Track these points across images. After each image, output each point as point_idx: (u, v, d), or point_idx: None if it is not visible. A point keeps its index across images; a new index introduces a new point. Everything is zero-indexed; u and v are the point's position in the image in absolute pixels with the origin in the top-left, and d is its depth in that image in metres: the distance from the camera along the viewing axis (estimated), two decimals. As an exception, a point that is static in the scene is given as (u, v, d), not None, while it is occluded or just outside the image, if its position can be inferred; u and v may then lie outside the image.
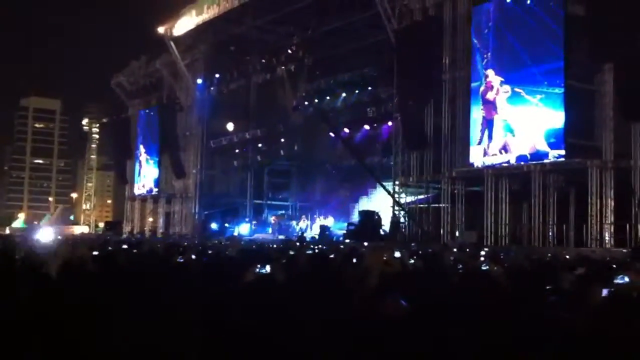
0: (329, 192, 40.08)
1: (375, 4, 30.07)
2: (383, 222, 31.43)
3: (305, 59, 39.83)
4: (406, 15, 29.64)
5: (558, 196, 24.19)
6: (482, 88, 26.59)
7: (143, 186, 49.67)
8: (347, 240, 28.53)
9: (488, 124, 26.56)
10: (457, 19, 27.55)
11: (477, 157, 26.85)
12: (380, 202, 33.88)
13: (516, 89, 25.17)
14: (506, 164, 25.41)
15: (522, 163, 24.77)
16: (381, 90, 34.84)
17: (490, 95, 26.42)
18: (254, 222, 43.47)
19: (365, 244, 20.64)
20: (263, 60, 42.03)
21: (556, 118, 23.61)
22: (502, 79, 25.87)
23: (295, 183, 45.79)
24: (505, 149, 25.70)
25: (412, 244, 22.01)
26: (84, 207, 78.85)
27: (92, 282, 5.23)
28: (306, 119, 42.03)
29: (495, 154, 26.07)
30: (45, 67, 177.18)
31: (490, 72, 26.42)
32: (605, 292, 4.81)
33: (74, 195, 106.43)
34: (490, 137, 26.35)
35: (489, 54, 26.48)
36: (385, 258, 5.70)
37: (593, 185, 22.78)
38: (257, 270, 4.41)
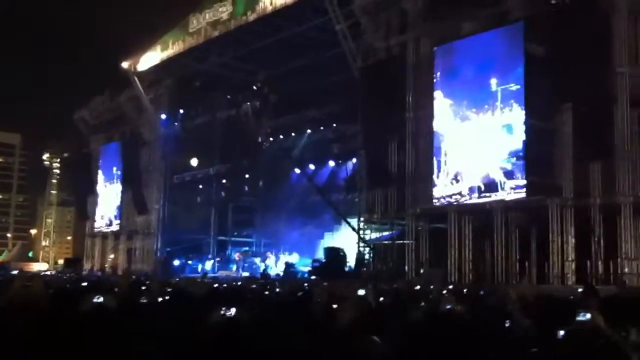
0: (293, 228, 39.96)
1: (340, 42, 30.44)
2: (348, 259, 31.37)
3: (270, 95, 40.06)
4: (370, 53, 30.03)
5: (520, 233, 24.42)
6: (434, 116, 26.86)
7: (102, 217, 49.03)
8: (312, 277, 28.36)
9: (436, 152, 26.80)
10: (420, 58, 27.98)
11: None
12: (345, 238, 33.84)
13: (468, 112, 25.43)
14: (467, 201, 25.57)
15: (484, 198, 24.89)
16: (346, 127, 35.06)
17: (437, 121, 26.73)
18: (217, 259, 43.02)
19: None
20: (228, 96, 42.20)
21: (512, 143, 23.89)
22: (452, 102, 26.19)
23: (260, 219, 45.59)
24: (455, 178, 25.93)
25: (376, 282, 21.88)
26: (43, 243, 77.40)
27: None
28: (271, 155, 42.11)
29: (446, 185, 26.22)
30: (5, 101, 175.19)
31: (438, 94, 26.77)
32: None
33: (33, 231, 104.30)
34: (439, 167, 26.55)
35: (439, 73, 26.76)
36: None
37: (554, 223, 23.09)
38: (223, 312, 4.32)
